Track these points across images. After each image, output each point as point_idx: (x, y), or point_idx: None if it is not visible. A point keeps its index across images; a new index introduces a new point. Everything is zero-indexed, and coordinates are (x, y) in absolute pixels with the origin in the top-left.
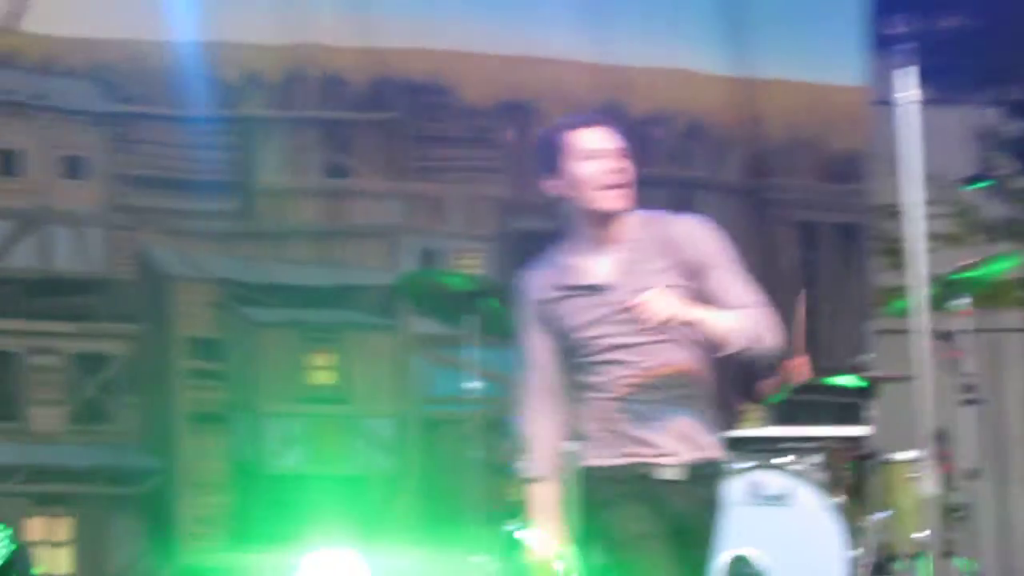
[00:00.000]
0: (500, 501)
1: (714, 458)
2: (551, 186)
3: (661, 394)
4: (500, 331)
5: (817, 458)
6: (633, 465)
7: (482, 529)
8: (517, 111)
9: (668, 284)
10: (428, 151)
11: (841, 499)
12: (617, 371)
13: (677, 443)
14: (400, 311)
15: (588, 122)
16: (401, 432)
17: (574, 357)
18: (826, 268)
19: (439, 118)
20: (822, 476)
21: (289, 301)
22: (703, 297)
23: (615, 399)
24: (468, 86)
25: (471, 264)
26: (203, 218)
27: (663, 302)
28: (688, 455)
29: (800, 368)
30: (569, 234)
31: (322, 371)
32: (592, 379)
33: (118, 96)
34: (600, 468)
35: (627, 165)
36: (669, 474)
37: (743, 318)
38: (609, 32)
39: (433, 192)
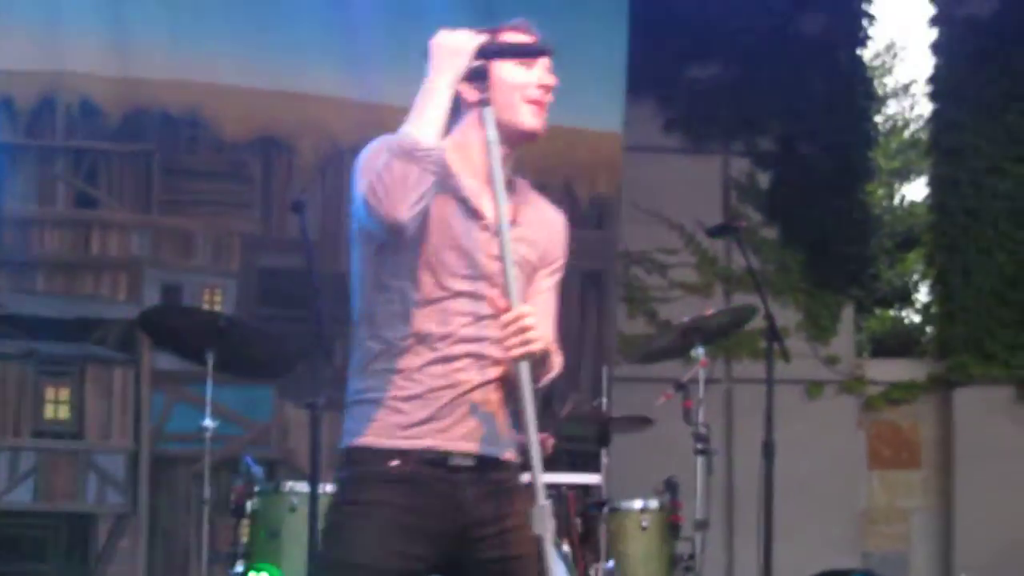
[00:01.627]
0: (230, 542)
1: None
2: (471, 93)
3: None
4: (239, 370)
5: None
6: (453, 453)
7: (211, 570)
8: (271, 146)
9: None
10: (178, 184)
11: (568, 547)
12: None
13: (508, 435)
14: (140, 346)
15: (522, 27)
16: (133, 469)
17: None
18: (570, 313)
19: (192, 151)
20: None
21: (27, 332)
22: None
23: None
24: (223, 120)
25: (215, 300)
26: None
27: (543, 328)
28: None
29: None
30: (463, 143)
31: (57, 404)
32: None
33: None
34: (396, 451)
35: (553, 84)
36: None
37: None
38: (366, 70)
39: (180, 226)
